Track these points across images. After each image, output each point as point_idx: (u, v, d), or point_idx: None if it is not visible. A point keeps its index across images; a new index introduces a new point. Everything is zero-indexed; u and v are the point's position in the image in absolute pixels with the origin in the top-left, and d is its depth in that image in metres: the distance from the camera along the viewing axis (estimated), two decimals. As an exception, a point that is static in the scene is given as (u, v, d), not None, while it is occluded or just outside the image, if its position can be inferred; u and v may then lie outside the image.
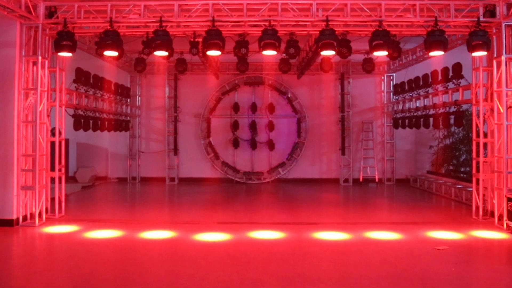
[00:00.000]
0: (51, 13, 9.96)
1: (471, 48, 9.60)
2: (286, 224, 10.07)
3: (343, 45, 11.02)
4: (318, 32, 9.88)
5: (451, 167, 16.60)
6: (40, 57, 9.95)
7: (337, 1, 9.69)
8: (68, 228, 9.61)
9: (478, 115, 10.45)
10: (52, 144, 10.73)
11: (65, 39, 9.72)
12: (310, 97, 17.85)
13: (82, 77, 12.56)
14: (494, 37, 10.00)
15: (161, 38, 9.81)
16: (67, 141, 13.14)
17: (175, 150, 17.69)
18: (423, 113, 14.13)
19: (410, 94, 15.14)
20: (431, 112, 13.57)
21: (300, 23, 10.18)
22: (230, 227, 9.67)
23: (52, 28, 10.26)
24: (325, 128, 17.81)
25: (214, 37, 9.71)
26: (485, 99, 10.39)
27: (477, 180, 10.43)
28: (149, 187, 16.68)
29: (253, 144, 17.51)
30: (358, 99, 17.74)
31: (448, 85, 12.52)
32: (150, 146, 18.12)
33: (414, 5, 9.70)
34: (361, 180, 17.31)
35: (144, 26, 10.67)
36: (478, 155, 10.69)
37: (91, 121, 13.09)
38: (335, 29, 9.85)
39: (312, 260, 7.45)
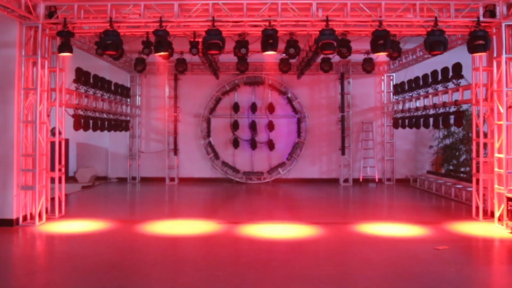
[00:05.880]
0: (51, 13, 9.97)
1: (471, 48, 9.61)
2: (286, 224, 10.07)
3: (343, 45, 11.03)
4: (318, 32, 9.88)
5: (451, 167, 16.61)
6: (40, 57, 9.94)
7: (337, 0, 9.69)
8: (68, 228, 9.61)
9: (478, 115, 10.45)
10: (52, 144, 10.73)
11: (65, 39, 9.73)
12: (310, 97, 17.85)
13: (82, 77, 12.55)
14: (494, 37, 10.00)
15: (160, 38, 9.82)
16: (67, 141, 13.15)
17: (175, 150, 17.69)
18: (423, 113, 14.13)
19: (410, 94, 15.14)
20: (431, 112, 13.57)
21: (300, 23, 10.18)
22: (230, 227, 9.68)
23: (52, 28, 10.26)
24: (325, 128, 17.82)
25: (214, 37, 9.71)
26: (485, 99, 10.39)
27: (477, 180, 10.43)
28: (149, 187, 16.67)
29: (253, 144, 17.51)
30: (358, 99, 17.74)
31: (448, 85, 12.52)
32: (150, 146, 18.12)
33: (414, 5, 9.69)
34: (361, 180, 17.32)
35: (144, 26, 10.68)
36: (478, 155, 10.69)
37: (91, 121, 13.08)
38: (335, 29, 9.85)
39: (312, 260, 7.45)
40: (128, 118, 17.14)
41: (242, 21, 9.99)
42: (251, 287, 6.19)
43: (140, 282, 6.34)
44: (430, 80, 13.39)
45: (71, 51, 10.02)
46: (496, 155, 9.92)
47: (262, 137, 17.67)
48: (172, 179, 17.58)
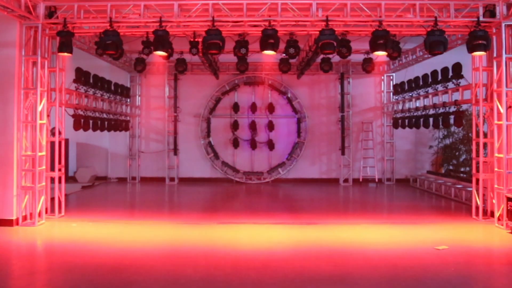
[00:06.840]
0: (51, 13, 9.96)
1: (471, 48, 9.60)
2: (286, 224, 10.07)
3: (343, 45, 11.03)
4: (318, 32, 9.88)
5: (451, 167, 16.61)
6: (40, 57, 9.94)
7: (337, 0, 9.68)
8: (68, 228, 9.61)
9: (478, 115, 10.45)
10: (52, 144, 10.73)
11: (65, 39, 9.72)
12: (310, 97, 17.85)
13: (82, 77, 12.56)
14: (494, 37, 9.99)
15: (160, 38, 9.82)
16: (67, 141, 13.14)
17: (175, 150, 17.69)
18: (423, 113, 14.13)
19: (410, 94, 15.15)
20: (431, 112, 13.57)
21: (300, 23, 10.17)
22: (230, 227, 9.68)
23: (52, 28, 10.26)
24: (325, 128, 17.82)
25: (214, 37, 9.71)
26: (485, 99, 10.39)
27: (477, 180, 10.42)
28: (149, 187, 16.68)
29: (253, 144, 17.51)
30: (358, 99, 17.74)
31: (448, 85, 12.52)
32: (150, 146, 18.12)
33: (414, 5, 9.68)
34: (361, 180, 17.31)
35: (144, 26, 10.68)
36: (478, 155, 10.69)
37: (91, 121, 13.08)
38: (335, 29, 9.84)
39: (312, 260, 7.45)
40: (128, 118, 17.15)
41: (242, 21, 9.98)
42: (251, 287, 6.19)
43: (140, 282, 6.33)
44: (430, 80, 13.39)
45: (71, 52, 10.01)
46: (496, 155, 9.91)
47: (262, 137, 17.67)
48: (172, 179, 17.58)
